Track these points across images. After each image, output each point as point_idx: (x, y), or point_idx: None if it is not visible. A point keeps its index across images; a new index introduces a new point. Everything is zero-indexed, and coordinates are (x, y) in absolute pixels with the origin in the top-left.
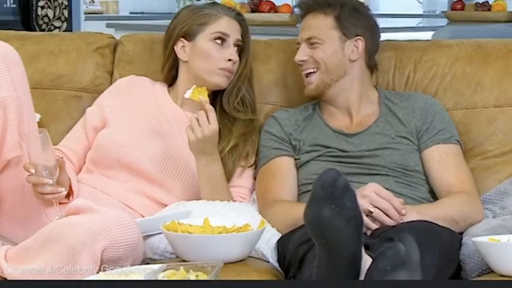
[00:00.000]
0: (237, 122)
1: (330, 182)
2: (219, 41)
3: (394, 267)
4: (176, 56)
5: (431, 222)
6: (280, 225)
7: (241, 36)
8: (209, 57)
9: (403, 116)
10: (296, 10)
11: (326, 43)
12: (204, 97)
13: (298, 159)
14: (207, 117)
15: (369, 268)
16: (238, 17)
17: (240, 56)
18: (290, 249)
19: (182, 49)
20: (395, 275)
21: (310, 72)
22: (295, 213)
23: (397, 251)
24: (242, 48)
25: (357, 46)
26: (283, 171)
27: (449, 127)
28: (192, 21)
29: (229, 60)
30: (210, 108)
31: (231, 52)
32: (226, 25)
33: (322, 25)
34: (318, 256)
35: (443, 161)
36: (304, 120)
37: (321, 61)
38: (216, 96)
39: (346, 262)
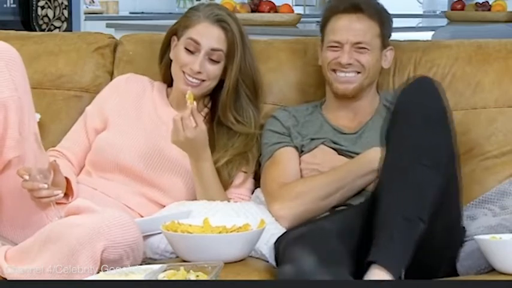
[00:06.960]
0: (236, 135)
1: None
2: (190, 47)
3: None
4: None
5: None
6: (304, 197)
7: (227, 44)
8: (177, 61)
9: None
10: (336, 4)
11: (372, 50)
12: (190, 101)
13: (297, 148)
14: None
15: None
16: (221, 23)
17: (226, 64)
18: (280, 249)
19: (173, 47)
20: None
21: (351, 74)
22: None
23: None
24: (227, 57)
25: (388, 56)
26: (287, 159)
27: None
28: (180, 22)
29: (191, 69)
30: (186, 116)
31: (194, 61)
32: (201, 32)
33: (369, 31)
34: None
35: None
36: (304, 117)
37: (366, 66)
38: (214, 107)
39: None
